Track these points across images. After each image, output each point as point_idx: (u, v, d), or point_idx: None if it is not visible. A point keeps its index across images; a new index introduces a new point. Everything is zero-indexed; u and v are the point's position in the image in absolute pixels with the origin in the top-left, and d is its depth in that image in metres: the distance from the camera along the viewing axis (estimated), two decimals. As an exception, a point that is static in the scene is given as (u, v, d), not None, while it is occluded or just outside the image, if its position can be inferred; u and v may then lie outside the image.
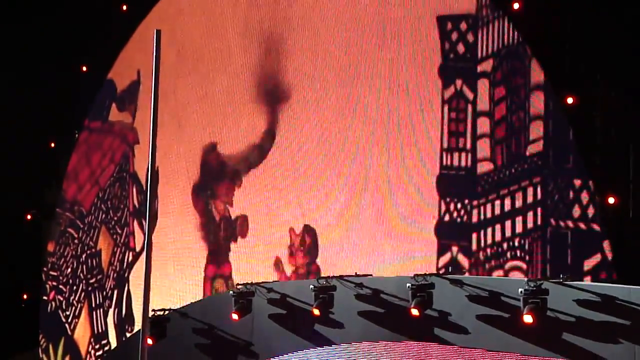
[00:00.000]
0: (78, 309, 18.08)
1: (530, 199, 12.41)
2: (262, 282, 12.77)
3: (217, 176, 16.10)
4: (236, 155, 15.81)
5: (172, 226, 16.61)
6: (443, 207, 13.16)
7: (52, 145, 18.61)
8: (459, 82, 13.19)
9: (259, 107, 15.54)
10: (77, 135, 18.51)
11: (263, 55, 15.50)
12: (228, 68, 16.05)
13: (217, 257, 15.97)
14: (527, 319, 10.20)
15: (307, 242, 14.52)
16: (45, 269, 18.72)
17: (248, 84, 15.75)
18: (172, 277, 16.45)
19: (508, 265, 12.58)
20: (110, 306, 17.49)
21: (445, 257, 13.11)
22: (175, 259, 16.53)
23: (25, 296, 18.61)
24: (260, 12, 15.65)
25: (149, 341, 12.78)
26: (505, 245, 12.62)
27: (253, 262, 15.39)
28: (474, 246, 12.90)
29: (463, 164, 13.04)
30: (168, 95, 16.35)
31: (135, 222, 17.37)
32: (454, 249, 13.04)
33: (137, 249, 17.28)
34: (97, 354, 17.62)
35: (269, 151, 15.32)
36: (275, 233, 15.07)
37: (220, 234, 15.95)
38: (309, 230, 14.52)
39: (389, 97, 13.86)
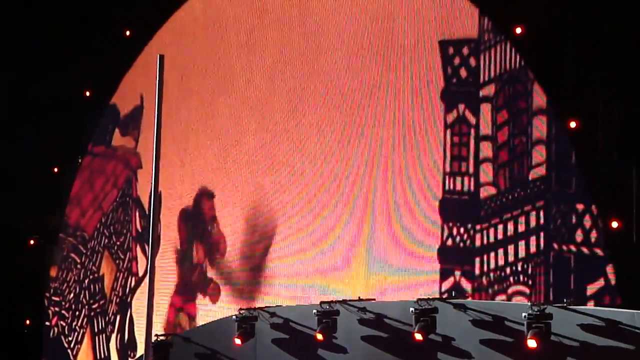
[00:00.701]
0: (80, 334, 18.03)
1: (533, 223, 12.39)
2: (265, 307, 12.75)
3: (206, 226, 16.09)
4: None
5: (175, 250, 16.61)
6: (446, 231, 13.15)
7: (56, 170, 18.63)
8: (461, 107, 13.21)
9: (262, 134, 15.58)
10: (80, 160, 18.53)
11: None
12: (231, 90, 16.08)
13: (185, 292, 15.99)
14: (531, 343, 10.17)
15: None
16: (47, 294, 18.68)
17: (252, 106, 15.77)
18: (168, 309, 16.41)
19: (511, 289, 12.55)
20: (112, 331, 17.44)
21: (449, 282, 13.08)
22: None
23: (27, 322, 18.56)
24: (263, 36, 15.70)
25: (152, 366, 12.76)
26: (508, 270, 12.59)
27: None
28: (477, 270, 12.87)
29: (466, 188, 13.04)
30: (171, 120, 16.38)
31: (138, 247, 17.35)
32: (457, 273, 13.01)
33: (140, 273, 17.25)
34: (100, 379, 17.57)
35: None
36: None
37: (193, 277, 15.97)
38: None
39: (391, 121, 13.88)
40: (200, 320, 15.63)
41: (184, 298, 16.08)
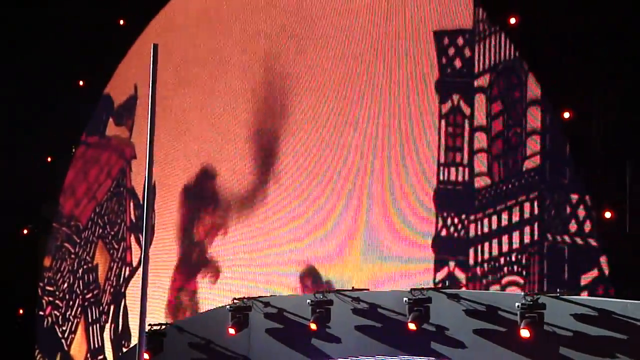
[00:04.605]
0: (74, 324, 18.02)
1: (527, 214, 12.41)
2: (259, 297, 12.76)
3: (208, 203, 16.12)
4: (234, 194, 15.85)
5: (169, 240, 16.61)
6: (440, 222, 13.16)
7: (49, 160, 18.60)
8: (456, 97, 13.21)
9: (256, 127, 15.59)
10: (74, 150, 18.50)
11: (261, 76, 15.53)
12: (226, 80, 16.07)
13: (186, 270, 16.04)
14: (524, 333, 10.20)
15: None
16: (41, 284, 18.67)
17: (246, 98, 15.76)
18: (169, 291, 16.43)
19: (505, 280, 12.57)
20: (106, 321, 17.44)
21: (443, 272, 13.10)
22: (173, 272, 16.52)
23: (21, 311, 18.56)
24: (258, 25, 15.68)
25: (146, 356, 12.78)
26: (502, 260, 12.61)
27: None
28: (471, 261, 12.89)
29: (460, 178, 13.05)
30: (165, 110, 16.35)
31: (132, 237, 17.34)
32: (451, 263, 13.03)
33: (134, 263, 17.24)
34: (94, 369, 17.58)
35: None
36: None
37: (193, 255, 16.00)
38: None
39: (386, 112, 13.87)
40: (201, 298, 15.70)
41: (184, 276, 16.11)
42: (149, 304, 15.07)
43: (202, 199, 16.25)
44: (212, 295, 15.62)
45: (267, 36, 15.53)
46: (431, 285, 12.55)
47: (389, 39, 13.92)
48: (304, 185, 14.77)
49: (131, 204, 17.44)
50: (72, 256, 18.32)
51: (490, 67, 12.88)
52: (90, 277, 17.95)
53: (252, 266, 15.20)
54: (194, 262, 16.06)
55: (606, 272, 11.68)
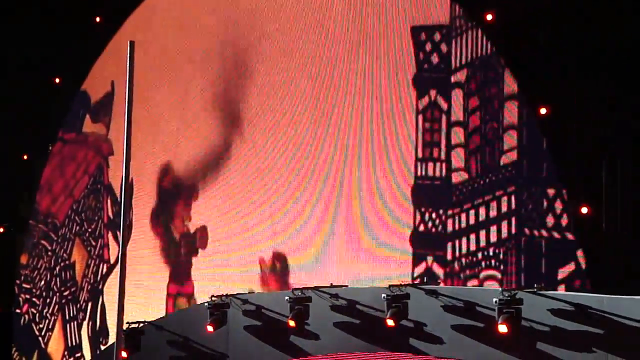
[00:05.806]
0: (52, 321, 17.95)
1: (504, 209, 12.46)
2: (238, 294, 12.75)
3: (173, 197, 16.12)
4: (194, 168, 15.86)
5: (146, 237, 16.58)
6: (418, 217, 13.19)
7: (25, 157, 18.51)
8: (433, 93, 13.23)
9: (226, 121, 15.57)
10: (50, 147, 18.42)
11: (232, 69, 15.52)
12: (203, 76, 16.04)
13: (179, 275, 16.02)
14: (502, 328, 10.23)
15: (277, 267, 14.52)
16: (18, 281, 18.58)
17: (223, 92, 15.74)
18: (145, 288, 16.40)
19: (483, 274, 12.62)
20: (84, 319, 17.39)
21: (421, 267, 13.13)
22: (147, 270, 16.49)
23: (-3, 310, 18.50)
24: (235, 22, 15.66)
25: (124, 354, 12.75)
26: (480, 255, 12.65)
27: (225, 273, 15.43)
28: (449, 256, 12.92)
29: (438, 173, 13.08)
30: (142, 107, 16.30)
31: (110, 234, 17.29)
32: (429, 258, 13.06)
33: (112, 260, 17.19)
34: (72, 367, 17.53)
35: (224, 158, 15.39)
36: (245, 249, 15.12)
37: (181, 251, 15.99)
38: (278, 256, 14.52)
39: (363, 107, 13.89)
40: (197, 279, 15.70)
41: (179, 284, 16.08)
42: (126, 301, 15.02)
43: (168, 199, 16.27)
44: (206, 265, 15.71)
45: (242, 34, 15.51)
46: (409, 281, 12.57)
47: (366, 35, 13.92)
48: (280, 181, 14.77)
49: (108, 200, 17.39)
50: (49, 253, 18.24)
51: (467, 63, 12.91)
52: (68, 274, 17.88)
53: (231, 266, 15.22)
54: (184, 261, 16.09)
55: (583, 265, 11.75)
